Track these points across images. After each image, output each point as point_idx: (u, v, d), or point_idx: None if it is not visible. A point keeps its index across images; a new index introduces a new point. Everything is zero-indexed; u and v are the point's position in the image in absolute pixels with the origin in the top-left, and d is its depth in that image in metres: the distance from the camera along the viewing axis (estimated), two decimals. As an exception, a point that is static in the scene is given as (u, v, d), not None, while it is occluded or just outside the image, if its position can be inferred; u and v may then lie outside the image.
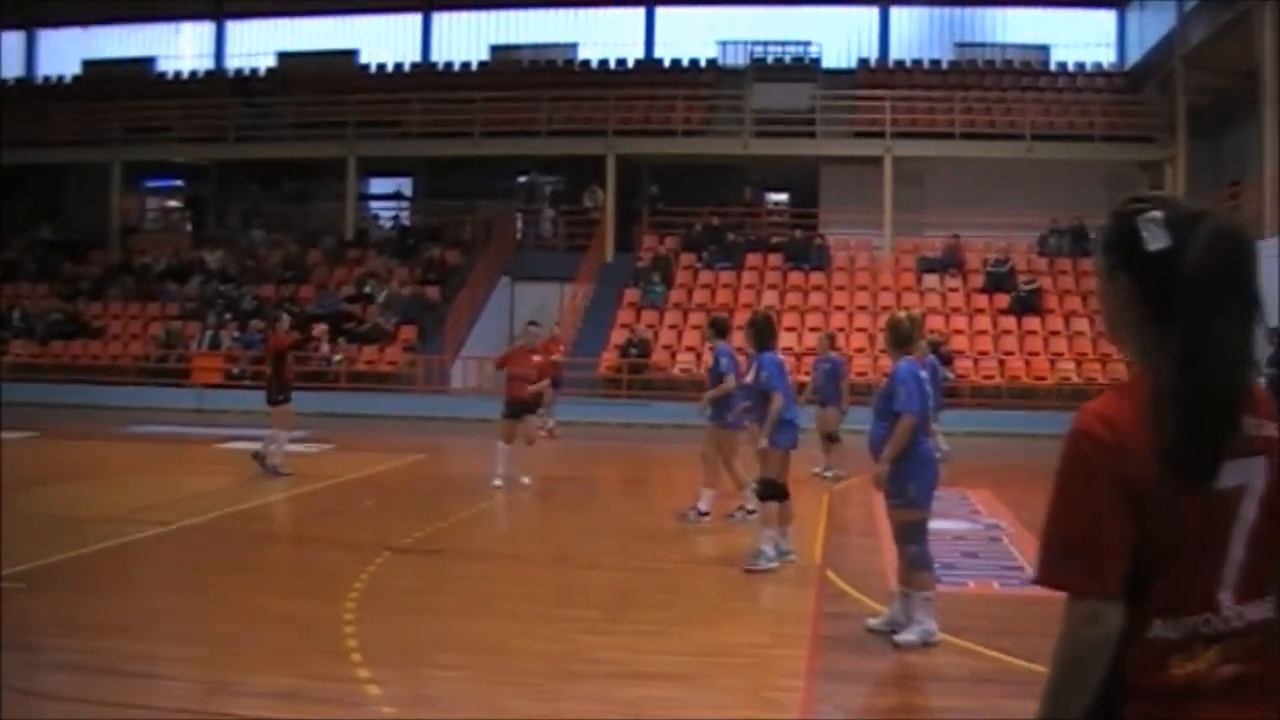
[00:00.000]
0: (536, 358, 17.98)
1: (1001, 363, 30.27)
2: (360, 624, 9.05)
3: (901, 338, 9.17)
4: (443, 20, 44.30)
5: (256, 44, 45.08)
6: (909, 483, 8.83)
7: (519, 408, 17.08)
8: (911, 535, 8.90)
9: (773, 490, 11.37)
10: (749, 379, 11.98)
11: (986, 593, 10.82)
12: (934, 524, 13.94)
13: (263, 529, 13.73)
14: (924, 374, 9.14)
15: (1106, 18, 41.64)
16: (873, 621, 9.11)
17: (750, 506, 13.79)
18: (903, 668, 8.36)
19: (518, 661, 8.32)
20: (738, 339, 15.49)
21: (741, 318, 31.22)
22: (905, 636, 8.68)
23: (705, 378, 15.29)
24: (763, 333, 12.04)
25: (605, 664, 8.27)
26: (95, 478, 17.87)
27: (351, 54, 44.56)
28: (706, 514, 13.80)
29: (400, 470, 19.92)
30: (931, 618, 8.76)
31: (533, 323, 19.45)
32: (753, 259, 34.93)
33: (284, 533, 13.44)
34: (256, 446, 18.15)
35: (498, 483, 16.72)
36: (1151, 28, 37.40)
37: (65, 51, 46.41)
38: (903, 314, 9.52)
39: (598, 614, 9.81)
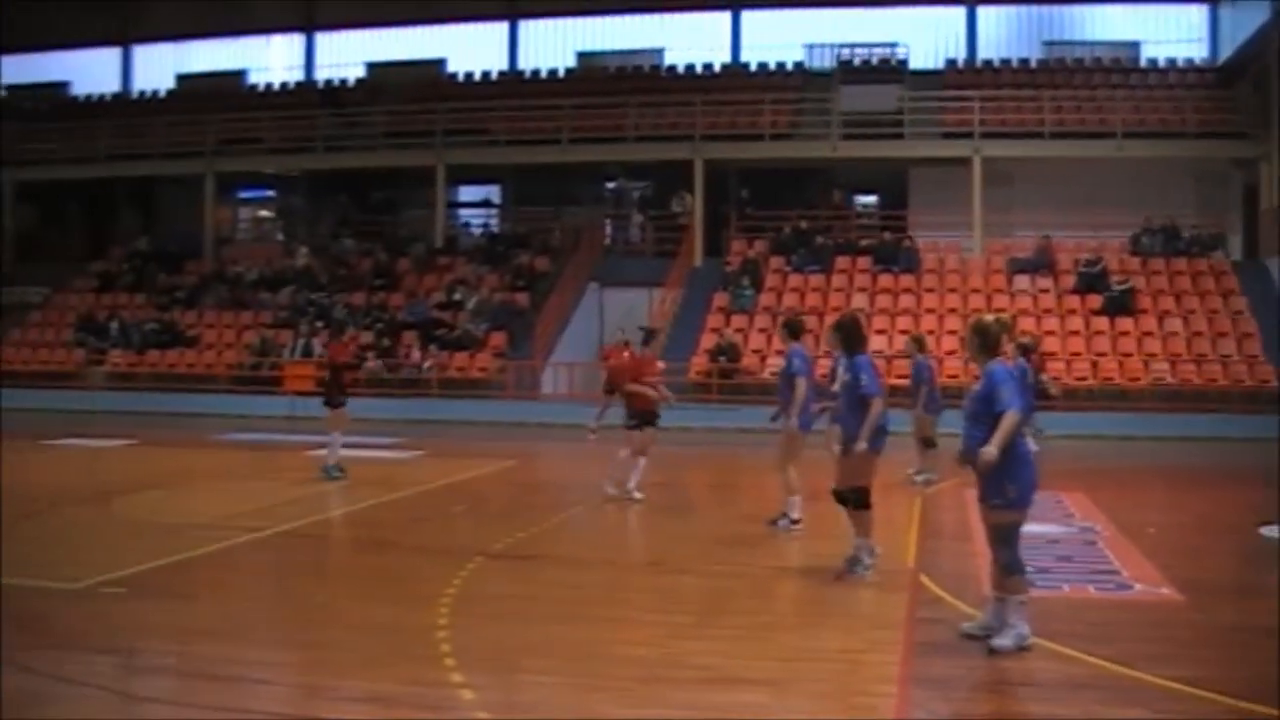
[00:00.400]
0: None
1: (1094, 364, 29.93)
2: (453, 629, 9.11)
3: (990, 342, 9.00)
4: (529, 28, 44.51)
5: (346, 55, 45.51)
6: (1008, 483, 8.68)
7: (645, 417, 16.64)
8: (1007, 538, 8.79)
9: (866, 497, 11.19)
10: (836, 384, 11.68)
11: (1081, 597, 10.71)
12: (1028, 527, 13.82)
13: (355, 535, 13.84)
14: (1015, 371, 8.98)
15: (1198, 13, 41.06)
16: (967, 626, 9.03)
17: (795, 515, 13.67)
18: (997, 674, 8.29)
19: (610, 666, 8.33)
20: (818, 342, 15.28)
21: (831, 321, 31.18)
22: (1000, 641, 8.60)
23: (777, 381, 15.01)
24: (852, 335, 11.69)
25: (697, 669, 8.27)
26: (190, 484, 18.11)
27: (439, 63, 44.86)
28: (798, 522, 13.66)
29: (491, 476, 20.00)
30: (1025, 622, 8.68)
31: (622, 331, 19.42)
32: (841, 262, 34.76)
33: (376, 539, 13.52)
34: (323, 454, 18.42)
35: (613, 490, 16.37)
36: (1244, 22, 36.80)
37: (159, 66, 47.18)
38: (990, 318, 9.34)
39: (690, 619, 9.80)
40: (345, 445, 18.48)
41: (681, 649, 8.74)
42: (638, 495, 16.05)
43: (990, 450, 8.57)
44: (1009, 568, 8.76)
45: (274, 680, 8.18)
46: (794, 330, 14.74)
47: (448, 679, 7.89)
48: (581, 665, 8.38)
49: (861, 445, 11.11)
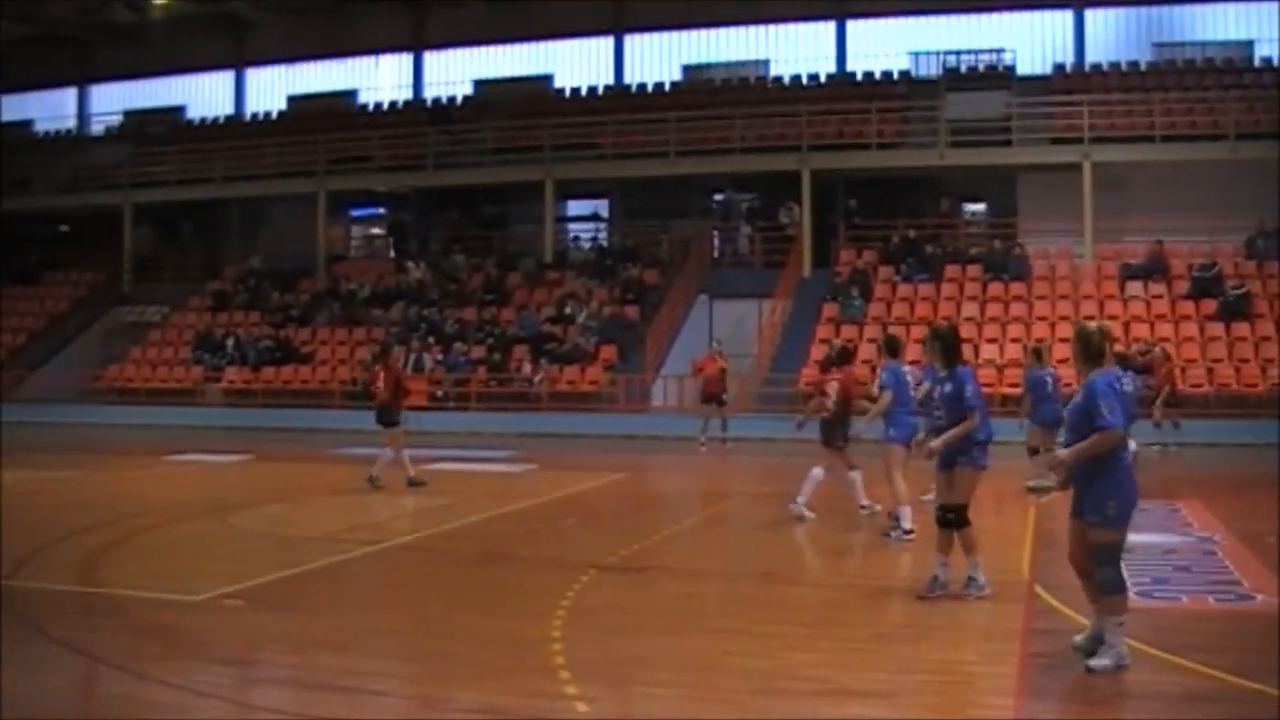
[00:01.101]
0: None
1: (1210, 371, 29.49)
2: (567, 641, 9.19)
3: (1091, 350, 8.69)
4: (635, 41, 44.69)
5: (454, 73, 46.01)
6: (1109, 500, 8.45)
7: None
8: (1106, 556, 8.51)
9: (961, 516, 10.77)
10: (936, 394, 11.25)
11: (1200, 608, 10.57)
12: (1145, 537, 13.76)
13: (468, 548, 13.97)
14: (1124, 385, 8.65)
15: (1316, 8, 40.29)
16: (1078, 639, 8.89)
17: (907, 525, 13.61)
18: (1115, 686, 8.19)
19: (723, 678, 8.35)
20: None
21: (928, 332, 30.94)
22: (1098, 662, 8.38)
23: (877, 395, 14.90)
24: (950, 346, 11.20)
25: (810, 681, 8.27)
26: (306, 498, 18.40)
27: (546, 79, 45.23)
28: (911, 532, 13.60)
29: (603, 489, 20.09)
30: (1123, 641, 8.46)
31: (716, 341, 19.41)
32: (951, 270, 34.56)
33: (489, 551, 13.64)
34: (410, 472, 18.91)
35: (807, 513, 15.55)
36: (1362, 18, 36.13)
37: (271, 88, 48.02)
38: (1093, 325, 8.97)
39: (803, 630, 9.80)
40: (456, 458, 18.66)
41: (794, 660, 8.75)
42: (809, 514, 15.43)
43: (1064, 454, 8.49)
44: (1107, 586, 8.50)
45: (390, 692, 8.30)
46: (892, 348, 14.78)
47: (562, 691, 7.95)
48: (694, 677, 8.42)
49: (961, 460, 10.76)
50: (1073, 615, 9.93)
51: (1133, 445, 8.91)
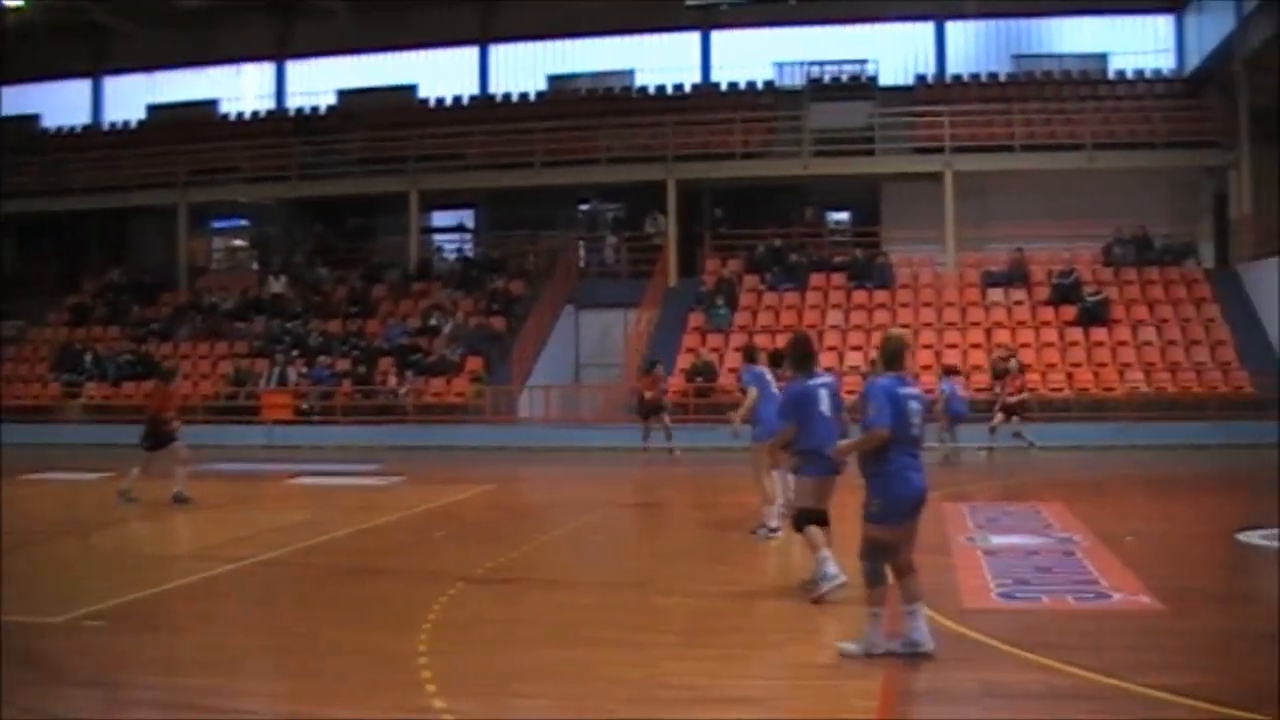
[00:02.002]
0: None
1: (1069, 375, 30.07)
2: (435, 655, 9.10)
3: (886, 357, 9.19)
4: (500, 52, 44.56)
5: (317, 83, 45.50)
6: (875, 498, 8.91)
7: None
8: (868, 550, 8.98)
9: (805, 519, 11.11)
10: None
11: (1062, 608, 10.72)
12: (1007, 539, 14.03)
13: (335, 563, 13.80)
14: (906, 391, 8.96)
15: (1164, 23, 41.32)
16: (895, 646, 8.92)
17: (772, 524, 13.81)
18: (980, 686, 8.29)
19: (595, 689, 8.33)
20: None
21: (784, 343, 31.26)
22: (848, 646, 8.85)
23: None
24: (796, 356, 11.66)
25: (683, 689, 8.26)
26: (170, 516, 18.04)
27: (411, 89, 44.93)
28: (776, 529, 13.79)
29: (471, 501, 19.98)
30: (878, 633, 8.81)
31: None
32: (816, 279, 34.90)
33: (357, 566, 13.49)
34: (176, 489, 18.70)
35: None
36: (1211, 31, 37.10)
37: (130, 97, 47.09)
38: (894, 333, 9.50)
39: (675, 639, 9.79)
40: (322, 472, 18.46)
41: (667, 669, 8.73)
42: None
43: (841, 445, 9.39)
44: (867, 577, 8.95)
45: (258, 711, 8.14)
46: (751, 355, 15.10)
47: (430, 705, 7.86)
48: (565, 687, 8.38)
49: (801, 469, 11.37)
50: (937, 617, 10.04)
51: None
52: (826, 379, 11.69)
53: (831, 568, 10.88)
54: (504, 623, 10.50)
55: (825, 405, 11.25)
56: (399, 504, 18.92)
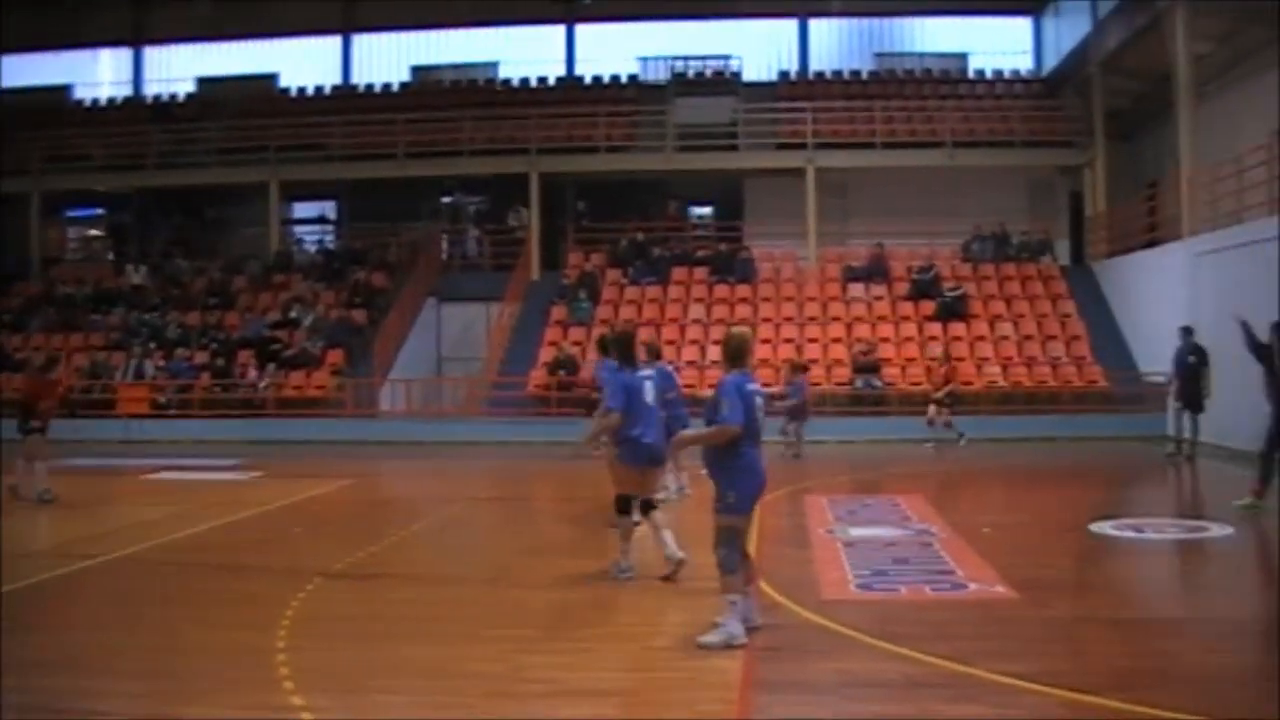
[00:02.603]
0: None
1: (928, 369, 30.44)
2: (293, 651, 9.01)
3: (730, 354, 9.51)
4: (363, 42, 44.19)
5: (176, 70, 44.71)
6: (729, 490, 9.18)
7: None
8: (724, 538, 9.18)
9: (625, 505, 11.86)
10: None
11: (919, 598, 10.88)
12: (866, 531, 14.20)
13: (193, 559, 13.58)
14: (751, 387, 9.30)
15: (1023, 25, 42.14)
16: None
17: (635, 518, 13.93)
18: (838, 675, 8.40)
19: (453, 683, 8.29)
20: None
21: (669, 332, 31.41)
22: (708, 638, 8.97)
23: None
24: (623, 348, 12.34)
25: (541, 683, 8.27)
26: (22, 512, 17.63)
27: (272, 78, 44.35)
28: (638, 522, 13.78)
29: (331, 496, 19.77)
30: (736, 621, 9.03)
31: None
32: (679, 273, 35.03)
33: (214, 562, 13.30)
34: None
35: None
36: (1067, 34, 37.90)
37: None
38: (735, 332, 9.85)
39: (534, 632, 9.77)
40: (180, 467, 18.18)
41: (525, 663, 8.73)
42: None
43: (685, 434, 9.75)
44: (722, 565, 9.15)
45: (114, 712, 7.96)
46: (605, 348, 15.10)
47: (288, 703, 7.79)
48: (424, 683, 8.34)
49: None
50: (796, 609, 10.15)
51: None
52: (651, 372, 12.32)
53: (625, 561, 11.68)
54: (362, 618, 10.43)
55: (650, 396, 11.92)
56: (258, 499, 18.67)
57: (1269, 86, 25.61)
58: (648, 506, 11.80)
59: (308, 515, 17.42)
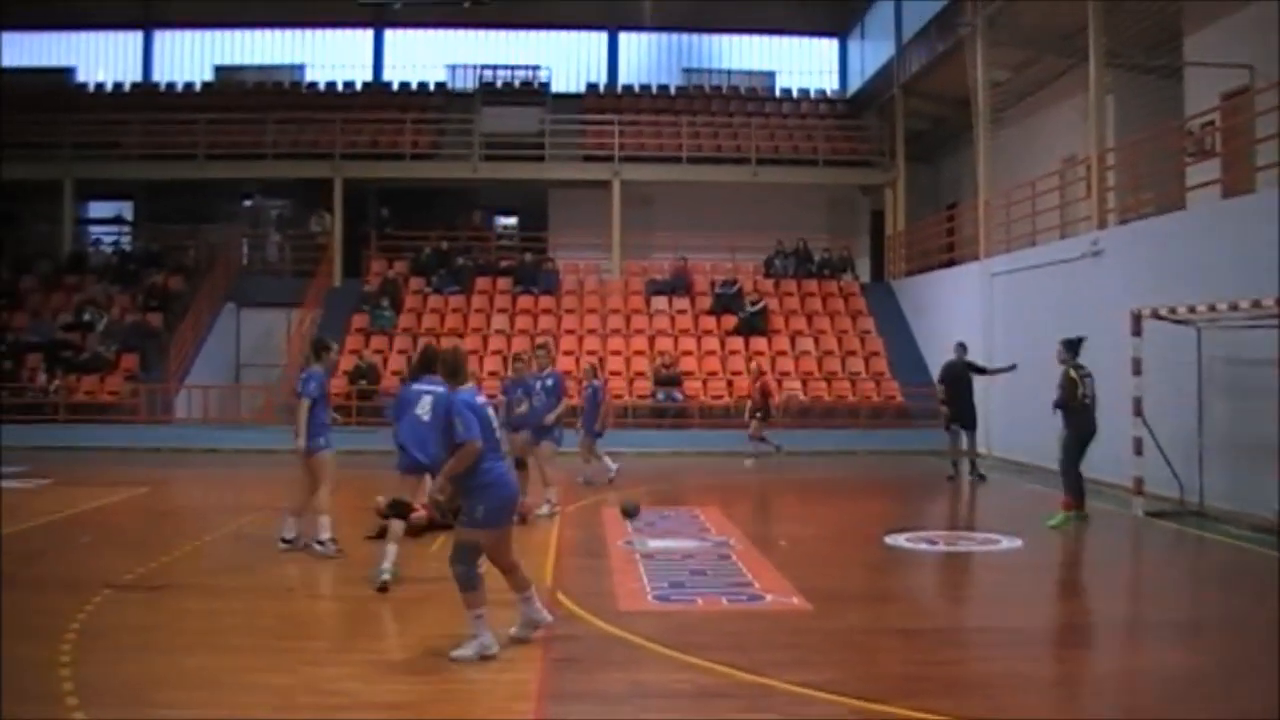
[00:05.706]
0: None
1: (730, 383, 30.78)
2: (78, 665, 8.78)
3: (449, 369, 9.47)
4: (165, 38, 43.29)
5: (-38, 60, 43.30)
6: (479, 505, 9.13)
7: None
8: (461, 555, 9.17)
9: (398, 509, 12.25)
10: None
11: (715, 609, 10.98)
12: (665, 543, 14.27)
13: (-28, 569, 13.14)
14: (480, 400, 9.30)
15: (829, 46, 42.97)
16: (513, 630, 9.51)
17: (322, 536, 13.86)
18: (633, 686, 8.43)
19: (243, 696, 8.13)
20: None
21: (471, 342, 31.24)
22: (460, 651, 9.03)
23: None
24: (414, 364, 13.22)
25: (334, 695, 8.16)
26: None
27: (68, 71, 43.17)
28: (323, 543, 13.66)
29: (121, 504, 19.28)
30: (486, 633, 9.09)
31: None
32: (482, 283, 34.96)
33: (-4, 571, 12.88)
34: None
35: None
36: (872, 57, 38.77)
37: None
38: (449, 346, 9.82)
39: (326, 645, 9.67)
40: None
41: (317, 675, 8.61)
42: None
43: (442, 478, 9.23)
44: (461, 583, 9.17)
45: (-121, 726, 7.70)
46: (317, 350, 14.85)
47: (71, 718, 7.58)
48: (212, 695, 8.17)
49: None
50: (592, 620, 10.16)
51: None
52: (430, 386, 12.17)
53: (387, 563, 11.80)
54: (149, 630, 10.18)
55: (423, 410, 12.37)
56: (45, 508, 18.12)
57: (1062, 114, 26.44)
58: (395, 511, 12.19)
59: (97, 525, 16.93)
